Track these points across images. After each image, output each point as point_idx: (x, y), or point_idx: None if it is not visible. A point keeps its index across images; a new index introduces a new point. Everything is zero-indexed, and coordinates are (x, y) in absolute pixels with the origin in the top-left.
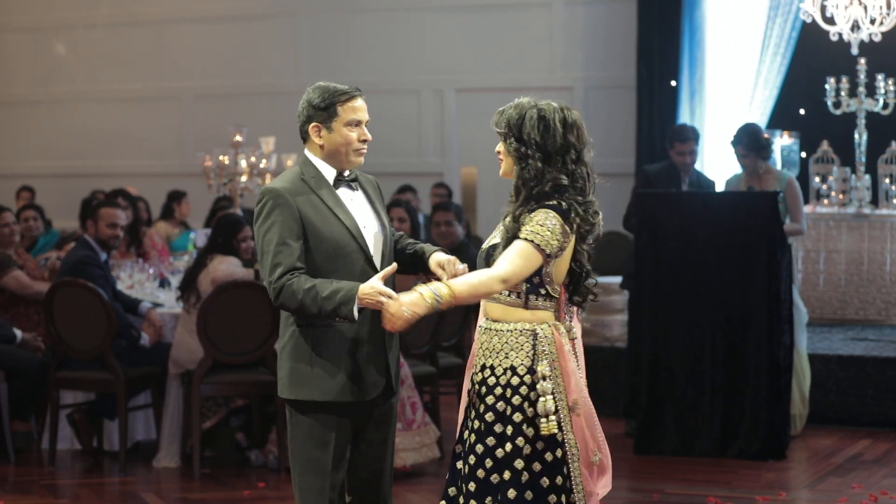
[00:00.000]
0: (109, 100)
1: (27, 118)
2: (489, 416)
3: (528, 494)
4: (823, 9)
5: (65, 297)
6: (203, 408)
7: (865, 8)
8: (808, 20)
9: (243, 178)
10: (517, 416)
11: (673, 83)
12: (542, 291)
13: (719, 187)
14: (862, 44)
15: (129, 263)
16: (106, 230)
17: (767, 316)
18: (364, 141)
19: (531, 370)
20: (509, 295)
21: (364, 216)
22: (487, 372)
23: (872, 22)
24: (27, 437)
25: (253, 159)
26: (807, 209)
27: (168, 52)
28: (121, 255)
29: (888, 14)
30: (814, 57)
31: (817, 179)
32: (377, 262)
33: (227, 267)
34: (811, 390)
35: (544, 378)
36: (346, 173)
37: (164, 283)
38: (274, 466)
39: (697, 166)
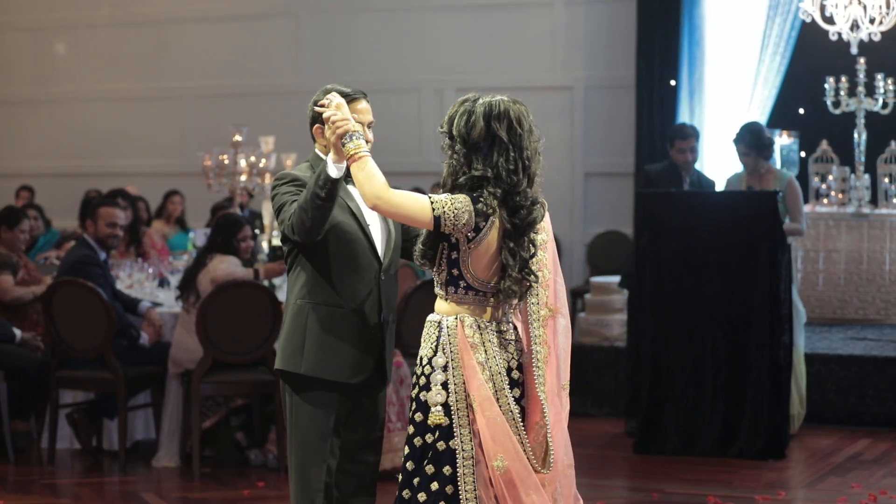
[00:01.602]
0: (110, 99)
1: (27, 118)
2: (412, 405)
3: (415, 480)
4: (823, 8)
5: (64, 297)
6: (203, 407)
7: (865, 7)
8: (808, 20)
9: (243, 178)
10: (413, 405)
11: (672, 82)
12: (462, 284)
13: (720, 186)
14: (861, 43)
15: (129, 263)
16: (105, 229)
17: (769, 316)
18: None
19: (430, 361)
20: (436, 286)
21: (369, 214)
22: None
23: (872, 21)
24: (27, 437)
25: (252, 159)
26: (806, 209)
27: (169, 51)
28: (120, 255)
29: (887, 13)
30: (813, 56)
31: (816, 179)
32: (381, 254)
33: (226, 266)
34: (811, 390)
35: (437, 369)
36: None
37: (163, 282)
38: (274, 466)
39: (697, 165)
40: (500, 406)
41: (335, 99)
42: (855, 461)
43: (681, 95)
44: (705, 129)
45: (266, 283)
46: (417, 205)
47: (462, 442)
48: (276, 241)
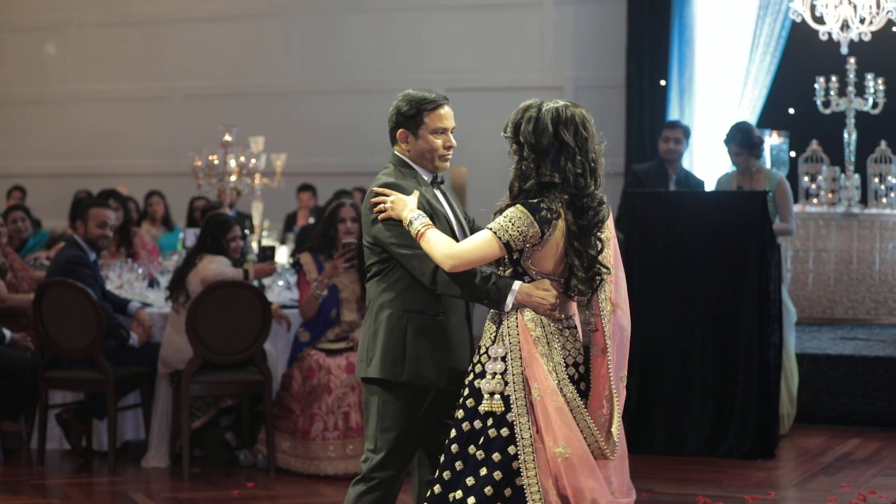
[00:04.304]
0: (101, 100)
1: (19, 118)
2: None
3: (458, 465)
4: (813, 8)
5: (54, 297)
6: (192, 407)
7: (855, 7)
8: (798, 19)
9: (232, 178)
10: (465, 391)
11: (662, 82)
12: (527, 280)
13: (710, 186)
14: (851, 43)
15: (119, 263)
16: (95, 230)
17: (757, 315)
18: (449, 147)
19: (487, 350)
20: None
21: (455, 219)
22: None
23: (862, 21)
24: (16, 437)
25: (242, 159)
26: (796, 208)
27: (159, 52)
28: (111, 255)
29: (877, 13)
30: (803, 56)
31: (806, 179)
32: None
33: (216, 266)
34: (800, 390)
35: (495, 359)
36: (438, 177)
37: (153, 282)
38: (263, 466)
39: (687, 165)
40: (564, 396)
41: (391, 196)
42: (845, 461)
43: (671, 95)
44: (695, 129)
45: (256, 283)
46: (484, 243)
47: (521, 430)
48: (266, 242)
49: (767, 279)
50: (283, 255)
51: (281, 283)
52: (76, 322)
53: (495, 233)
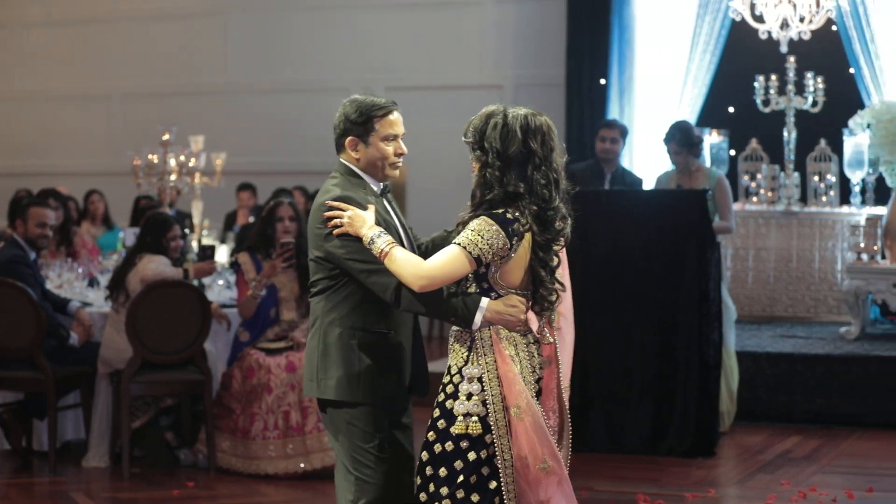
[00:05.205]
0: (40, 99)
1: None
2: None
3: (432, 487)
4: (753, 7)
5: None
6: (132, 407)
7: (795, 6)
8: (738, 18)
9: (172, 177)
10: (436, 412)
11: (602, 81)
12: (493, 296)
13: (649, 184)
14: (791, 42)
15: (59, 263)
16: (35, 230)
17: (697, 314)
18: (399, 154)
19: (461, 370)
20: None
21: (399, 226)
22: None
23: (801, 20)
24: None
25: (182, 158)
26: (736, 207)
27: (98, 50)
28: (51, 255)
29: (817, 12)
30: (743, 55)
31: (746, 177)
32: None
33: (156, 266)
34: (740, 387)
35: (470, 380)
36: (387, 187)
37: (93, 282)
38: (203, 465)
39: (626, 164)
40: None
41: (347, 211)
42: (784, 458)
43: (611, 94)
44: (635, 128)
45: (195, 282)
46: (454, 259)
47: (503, 451)
48: (206, 241)
49: (707, 277)
50: (223, 255)
51: (221, 282)
52: (16, 322)
53: (465, 248)
